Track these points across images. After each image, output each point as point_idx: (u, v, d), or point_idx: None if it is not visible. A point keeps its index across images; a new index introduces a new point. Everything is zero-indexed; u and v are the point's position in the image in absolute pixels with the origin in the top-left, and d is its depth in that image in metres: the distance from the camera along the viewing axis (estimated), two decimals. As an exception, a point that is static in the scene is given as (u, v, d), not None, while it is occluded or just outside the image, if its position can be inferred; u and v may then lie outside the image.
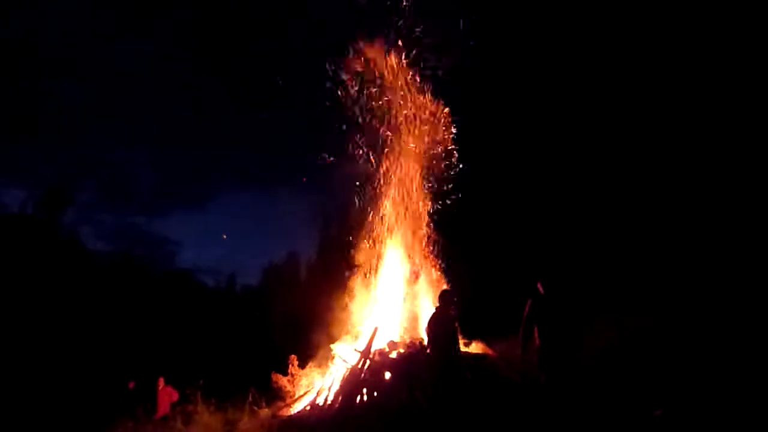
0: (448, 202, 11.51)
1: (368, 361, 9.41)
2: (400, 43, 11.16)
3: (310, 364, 10.83)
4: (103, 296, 20.61)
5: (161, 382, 11.80)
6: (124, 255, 26.95)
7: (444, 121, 11.45)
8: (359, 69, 11.12)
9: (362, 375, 9.20)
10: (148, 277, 25.44)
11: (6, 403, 11.24)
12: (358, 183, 11.55)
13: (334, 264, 11.65)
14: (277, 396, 10.48)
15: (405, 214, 11.34)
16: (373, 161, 11.40)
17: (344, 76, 11.09)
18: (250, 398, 10.23)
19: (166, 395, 11.61)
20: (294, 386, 10.59)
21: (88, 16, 46.70)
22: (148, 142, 52.99)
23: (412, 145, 11.34)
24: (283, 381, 10.58)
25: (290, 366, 10.78)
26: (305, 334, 11.80)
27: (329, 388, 9.57)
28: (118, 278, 23.15)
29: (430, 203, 11.49)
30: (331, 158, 11.34)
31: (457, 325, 7.93)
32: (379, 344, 9.95)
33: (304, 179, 13.00)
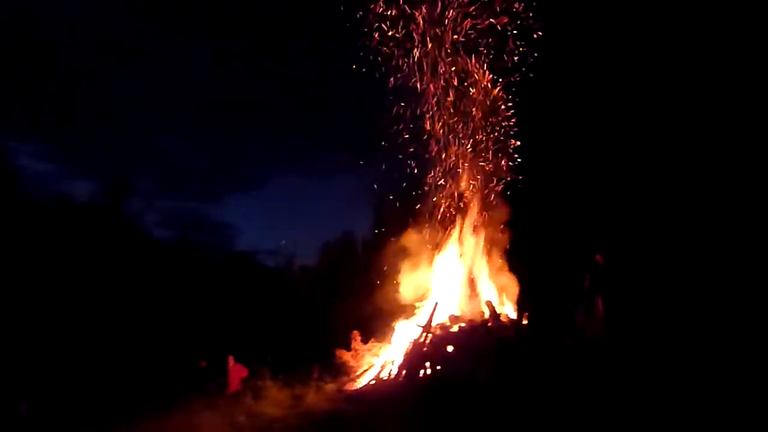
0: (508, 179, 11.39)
1: (430, 336, 9.49)
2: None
3: (372, 339, 11.00)
4: (169, 280, 21.49)
5: (231, 360, 12.25)
6: (184, 240, 28.04)
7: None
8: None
9: (425, 349, 9.30)
10: (210, 261, 26.40)
11: (86, 383, 11.90)
12: (413, 163, 11.51)
13: (391, 242, 11.68)
14: (341, 371, 10.69)
15: (468, 191, 11.28)
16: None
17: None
18: (316, 374, 10.52)
19: (236, 372, 12.05)
20: (357, 361, 10.77)
21: (141, 8, 47.90)
22: (203, 129, 54.27)
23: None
24: (346, 356, 10.78)
25: (353, 342, 10.98)
26: (366, 311, 11.98)
27: (392, 363, 9.72)
28: (181, 262, 24.07)
29: (494, 180, 11.39)
30: (384, 143, 11.34)
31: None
32: (441, 318, 10.01)
33: (361, 162, 13.05)
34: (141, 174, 55.39)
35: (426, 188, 11.55)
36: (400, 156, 11.47)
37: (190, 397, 9.77)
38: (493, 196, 11.41)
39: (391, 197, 12.64)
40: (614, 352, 8.22)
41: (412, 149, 11.32)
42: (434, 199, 11.46)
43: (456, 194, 11.34)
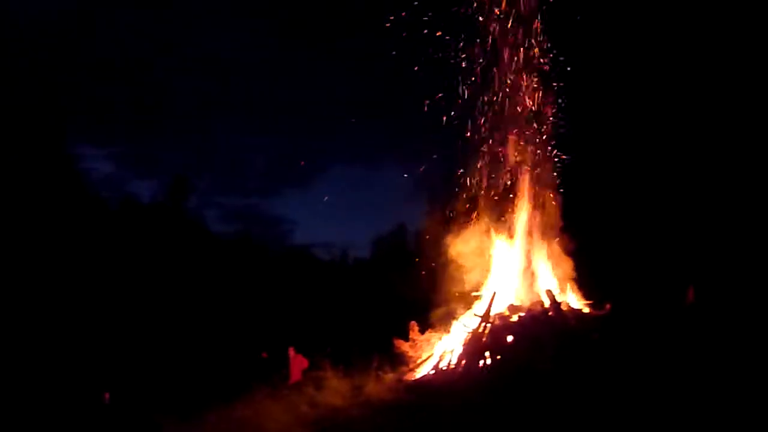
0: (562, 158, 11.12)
1: (489, 325, 9.41)
2: None
3: (429, 330, 10.99)
4: (230, 274, 22.15)
5: (291, 351, 12.51)
6: (244, 235, 28.81)
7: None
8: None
9: (484, 339, 9.23)
10: (268, 255, 27.05)
11: (158, 375, 12.38)
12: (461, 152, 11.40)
13: (445, 232, 11.62)
14: (400, 361, 10.73)
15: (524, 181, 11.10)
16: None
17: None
18: (375, 364, 10.59)
19: (297, 363, 12.28)
20: (416, 352, 10.79)
21: (202, 10, 49.29)
22: (261, 126, 55.57)
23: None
24: (405, 347, 10.81)
25: (410, 332, 11.00)
26: (422, 301, 11.98)
27: (451, 353, 9.70)
28: (241, 257, 24.76)
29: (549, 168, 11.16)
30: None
31: None
32: (499, 308, 9.90)
33: (415, 152, 13.05)
34: (202, 172, 57.30)
35: (478, 177, 11.42)
36: (451, 146, 11.41)
37: (254, 388, 10.03)
38: (548, 181, 11.16)
39: (443, 187, 12.56)
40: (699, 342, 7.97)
41: (463, 138, 11.21)
42: (487, 187, 11.32)
43: (510, 181, 11.15)
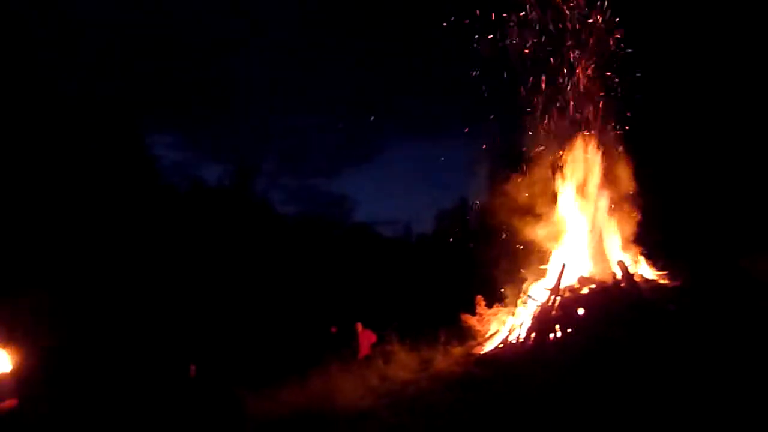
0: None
1: (559, 298, 9.25)
2: None
3: (497, 304, 10.92)
4: (296, 254, 22.71)
5: (359, 326, 12.74)
6: (308, 215, 29.45)
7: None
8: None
9: (554, 312, 9.09)
10: (332, 233, 27.54)
11: (236, 351, 12.85)
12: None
13: (511, 204, 11.42)
14: (467, 335, 10.75)
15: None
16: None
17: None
18: (442, 338, 10.65)
19: (366, 338, 12.51)
20: (483, 326, 10.77)
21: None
22: (320, 106, 56.23)
23: None
24: (472, 321, 10.82)
25: (477, 306, 10.97)
26: (488, 275, 11.89)
27: (520, 327, 9.61)
28: (306, 236, 25.31)
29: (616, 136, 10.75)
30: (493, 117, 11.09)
31: None
32: (569, 281, 9.70)
33: (466, 130, 12.89)
34: (266, 155, 58.72)
35: (545, 147, 11.12)
36: (516, 117, 11.16)
37: (326, 362, 10.30)
38: (619, 148, 10.74)
39: (508, 159, 12.32)
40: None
41: (531, 107, 10.93)
42: (555, 156, 11.01)
43: (579, 149, 10.80)
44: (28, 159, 15.34)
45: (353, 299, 17.41)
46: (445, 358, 9.81)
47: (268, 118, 55.82)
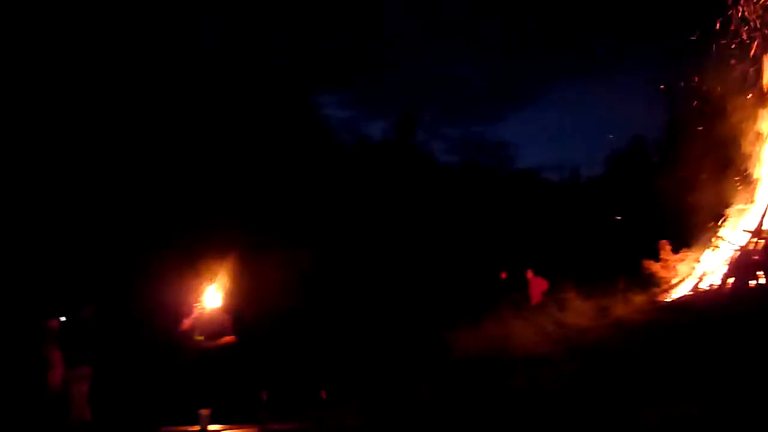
0: None
1: (762, 241, 8.29)
2: None
3: (684, 249, 10.08)
4: (459, 202, 22.83)
5: (530, 273, 12.65)
6: (470, 163, 29.24)
7: None
8: None
9: (756, 257, 8.19)
10: (496, 180, 27.16)
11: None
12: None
13: (694, 141, 10.30)
14: (649, 283, 10.12)
15: None
16: None
17: None
18: (621, 285, 10.15)
19: (537, 285, 12.41)
20: (668, 272, 10.05)
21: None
22: (476, 53, 54.78)
23: None
24: (655, 267, 10.14)
25: (661, 252, 10.23)
26: (671, 219, 10.98)
27: (714, 273, 8.82)
28: (469, 185, 25.29)
29: None
30: None
31: None
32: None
33: (662, 87, 11.76)
34: (427, 105, 59.16)
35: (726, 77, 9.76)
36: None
37: (498, 307, 10.43)
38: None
39: (686, 93, 11.04)
40: None
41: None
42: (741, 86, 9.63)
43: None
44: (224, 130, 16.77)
45: (522, 246, 17.22)
46: (625, 306, 9.37)
47: (427, 69, 55.63)
